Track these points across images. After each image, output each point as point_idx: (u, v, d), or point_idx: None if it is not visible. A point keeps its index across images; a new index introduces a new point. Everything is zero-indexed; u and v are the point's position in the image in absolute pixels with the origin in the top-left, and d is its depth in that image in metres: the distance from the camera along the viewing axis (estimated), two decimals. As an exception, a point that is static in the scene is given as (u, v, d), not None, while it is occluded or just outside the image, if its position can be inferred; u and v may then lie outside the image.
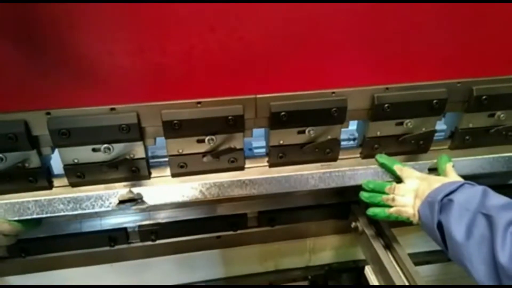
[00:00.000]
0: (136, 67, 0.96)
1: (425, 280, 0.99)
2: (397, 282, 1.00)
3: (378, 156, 1.11)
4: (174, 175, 1.15)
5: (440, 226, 0.88)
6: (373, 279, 1.12)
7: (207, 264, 1.34)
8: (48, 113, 0.98)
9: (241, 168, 1.18)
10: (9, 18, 0.84)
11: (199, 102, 1.03)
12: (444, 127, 1.31)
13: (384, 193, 1.05)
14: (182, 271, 1.34)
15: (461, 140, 1.24)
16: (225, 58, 0.99)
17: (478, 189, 0.88)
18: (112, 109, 1.00)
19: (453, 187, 0.89)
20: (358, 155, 1.25)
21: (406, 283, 1.00)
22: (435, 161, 1.16)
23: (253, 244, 1.22)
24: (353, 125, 1.24)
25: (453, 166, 1.04)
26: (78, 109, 0.99)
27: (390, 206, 1.01)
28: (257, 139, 1.24)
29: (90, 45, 0.91)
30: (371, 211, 1.03)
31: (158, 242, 1.25)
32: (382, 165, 1.10)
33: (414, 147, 1.22)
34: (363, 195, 1.06)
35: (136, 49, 0.94)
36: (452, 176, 1.02)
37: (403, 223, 1.04)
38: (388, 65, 1.08)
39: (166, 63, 0.97)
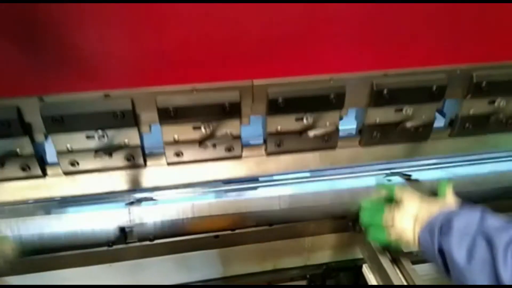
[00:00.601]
0: (131, 53, 0.94)
1: (422, 279, 0.99)
2: (395, 281, 0.99)
3: (377, 186, 1.14)
4: (170, 163, 1.13)
5: (440, 251, 0.89)
6: (370, 278, 1.12)
7: (205, 263, 1.33)
8: (41, 99, 0.96)
9: (239, 157, 1.16)
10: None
11: (195, 89, 1.02)
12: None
13: (382, 212, 1.06)
14: (180, 271, 1.33)
15: (461, 128, 1.22)
16: (221, 44, 0.97)
17: (477, 211, 0.89)
18: (106, 95, 0.99)
19: (452, 212, 0.91)
20: (357, 144, 1.23)
21: (404, 282, 1.00)
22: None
23: (251, 243, 1.21)
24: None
25: (452, 190, 1.05)
26: (71, 95, 0.97)
27: (390, 231, 1.02)
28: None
29: (84, 30, 0.89)
30: (372, 235, 1.04)
31: (156, 242, 1.24)
32: (382, 190, 1.12)
33: (414, 134, 1.20)
34: (363, 214, 1.07)
35: (131, 35, 0.92)
36: (451, 198, 1.03)
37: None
38: (387, 51, 1.06)
39: (161, 49, 0.95)
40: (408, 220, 0.99)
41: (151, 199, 1.24)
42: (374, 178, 1.33)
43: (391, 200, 1.07)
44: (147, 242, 1.23)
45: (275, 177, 1.37)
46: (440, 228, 0.90)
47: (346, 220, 1.28)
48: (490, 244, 0.81)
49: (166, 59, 0.97)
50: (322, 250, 1.37)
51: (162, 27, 0.92)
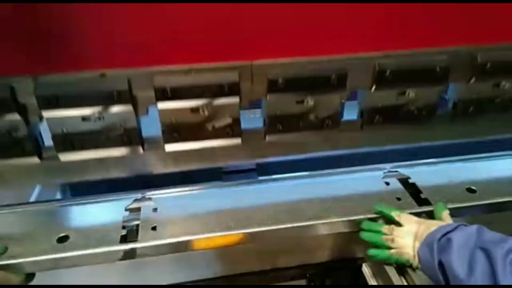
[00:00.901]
0: (127, 31, 0.92)
1: (422, 278, 0.99)
2: (395, 281, 0.99)
3: (376, 206, 1.13)
4: (168, 147, 1.11)
5: (441, 265, 0.91)
6: (370, 277, 1.12)
7: (205, 262, 1.31)
8: (35, 79, 0.94)
9: (238, 140, 1.14)
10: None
11: (193, 69, 0.99)
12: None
13: (382, 233, 1.07)
14: (180, 270, 1.31)
15: (465, 112, 1.20)
16: (220, 23, 0.94)
17: (473, 228, 0.93)
18: (102, 74, 0.96)
19: (450, 228, 0.95)
20: (359, 127, 1.21)
21: (404, 282, 1.00)
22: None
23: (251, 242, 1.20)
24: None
25: (449, 214, 1.07)
26: (66, 74, 0.95)
27: (390, 248, 1.03)
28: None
29: (79, 7, 0.87)
30: (372, 252, 1.04)
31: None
32: (380, 213, 1.11)
33: (417, 118, 1.18)
34: (363, 235, 1.07)
35: (127, 12, 0.90)
36: (448, 221, 1.05)
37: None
38: (390, 31, 1.04)
39: (158, 27, 0.92)
40: (408, 237, 1.01)
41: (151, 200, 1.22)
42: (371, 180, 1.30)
43: (389, 222, 1.09)
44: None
45: (273, 176, 1.36)
46: (439, 243, 0.92)
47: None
48: (489, 256, 0.84)
49: (164, 38, 0.95)
50: (322, 249, 1.36)
51: (160, 5, 0.90)
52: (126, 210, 1.16)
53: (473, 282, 0.83)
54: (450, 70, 1.09)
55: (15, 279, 0.99)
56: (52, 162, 1.09)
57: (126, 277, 1.27)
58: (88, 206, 1.19)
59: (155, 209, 1.16)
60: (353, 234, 1.13)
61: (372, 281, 1.10)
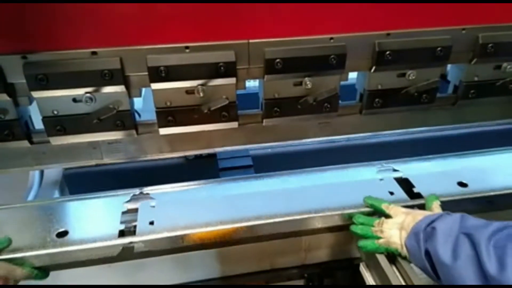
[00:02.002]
0: (119, 7, 0.89)
1: (419, 278, 0.98)
2: (393, 280, 0.98)
3: (366, 198, 1.13)
4: (162, 131, 1.08)
5: (427, 254, 0.93)
6: (368, 277, 1.11)
7: (203, 263, 1.29)
8: (24, 57, 0.91)
9: (235, 124, 1.11)
10: None
11: (187, 47, 0.97)
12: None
13: (372, 226, 1.08)
14: (178, 271, 1.29)
15: (466, 95, 1.18)
16: (215, -1, 0.91)
17: (457, 215, 0.94)
18: (94, 53, 0.93)
19: (434, 217, 0.96)
20: (358, 112, 1.18)
21: (402, 282, 0.99)
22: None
23: (249, 243, 1.17)
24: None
25: (439, 205, 1.08)
26: (56, 52, 0.92)
27: (379, 238, 1.04)
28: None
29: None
30: (362, 242, 1.06)
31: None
32: (371, 206, 1.11)
33: (417, 102, 1.15)
34: (354, 228, 1.08)
35: (119, -14, 0.87)
36: (436, 212, 1.06)
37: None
38: (390, 10, 1.01)
39: (151, 4, 0.89)
40: (395, 228, 1.02)
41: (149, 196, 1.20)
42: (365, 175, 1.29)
43: (380, 215, 1.09)
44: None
45: (270, 172, 1.34)
46: (425, 232, 0.94)
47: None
48: (473, 241, 0.85)
49: (157, 15, 0.92)
50: (320, 249, 1.35)
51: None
52: (124, 205, 1.15)
53: (458, 266, 0.85)
54: (452, 50, 1.07)
55: (20, 273, 0.96)
56: (43, 146, 1.06)
57: (126, 278, 1.25)
58: (87, 202, 1.17)
59: (152, 205, 1.15)
60: (351, 236, 1.11)
61: (370, 281, 1.10)
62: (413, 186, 1.22)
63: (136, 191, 1.20)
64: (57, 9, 0.87)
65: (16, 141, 1.01)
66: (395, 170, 1.29)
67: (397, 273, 1.01)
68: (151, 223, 1.09)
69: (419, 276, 0.99)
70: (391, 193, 1.20)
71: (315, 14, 0.98)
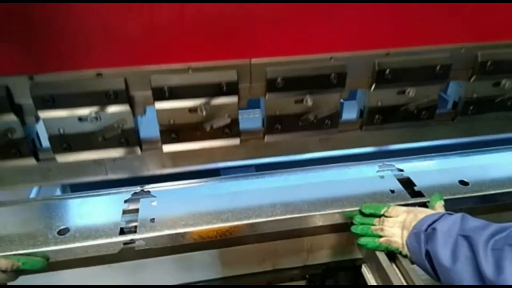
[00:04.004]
0: (124, 29, 0.91)
1: (422, 278, 0.99)
2: (394, 281, 0.98)
3: (364, 207, 1.12)
4: (166, 148, 1.09)
5: (428, 255, 0.94)
6: (370, 278, 1.11)
7: (205, 264, 1.30)
8: (31, 78, 0.93)
9: (236, 140, 1.12)
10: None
11: (190, 67, 0.98)
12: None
13: (374, 225, 1.09)
14: (180, 271, 1.30)
15: (465, 111, 1.19)
16: (217, 20, 0.93)
17: (457, 216, 0.95)
18: (99, 74, 0.95)
19: (435, 217, 0.96)
20: (358, 128, 1.20)
21: (403, 282, 0.99)
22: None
23: (251, 243, 1.19)
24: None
25: (443, 205, 1.08)
26: (62, 73, 0.94)
27: (380, 237, 1.04)
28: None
29: (75, 6, 0.86)
30: (362, 240, 1.05)
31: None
32: (371, 215, 1.10)
33: (417, 118, 1.17)
34: (354, 228, 1.08)
35: (124, 9, 0.89)
36: (439, 209, 1.07)
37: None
38: (390, 29, 1.03)
39: (155, 24, 0.91)
40: (396, 226, 1.02)
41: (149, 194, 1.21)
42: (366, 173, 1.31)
43: (379, 215, 1.09)
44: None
45: (271, 170, 1.35)
46: (425, 233, 0.94)
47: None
48: (471, 243, 0.86)
49: (161, 37, 0.94)
50: (322, 250, 1.36)
51: (156, 2, 0.89)
52: (125, 202, 1.16)
53: (457, 269, 0.85)
54: (451, 68, 1.08)
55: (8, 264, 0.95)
56: (49, 163, 1.08)
57: (126, 278, 1.26)
58: (88, 200, 1.19)
59: (153, 202, 1.16)
60: (352, 237, 1.12)
61: (371, 282, 1.10)
62: (414, 185, 1.22)
63: (137, 188, 1.22)
64: (63, 32, 0.89)
65: (23, 159, 1.03)
66: (396, 169, 1.29)
67: (398, 272, 1.02)
68: (152, 220, 1.10)
69: (420, 276, 0.99)
70: (392, 191, 1.20)
71: (316, 34, 1.00)
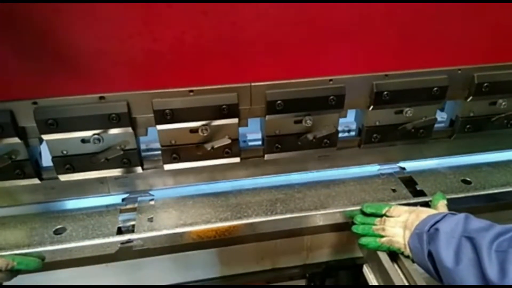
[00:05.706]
0: (126, 54, 0.92)
1: (423, 277, 0.98)
2: (395, 280, 0.98)
3: (365, 207, 1.10)
4: (167, 167, 1.11)
5: (430, 256, 0.92)
6: (371, 278, 1.10)
7: (203, 263, 1.32)
8: (34, 103, 0.94)
9: (237, 159, 1.14)
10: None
11: (191, 91, 1.00)
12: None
13: (375, 225, 1.07)
14: (178, 270, 1.31)
15: (462, 129, 1.21)
16: (218, 44, 0.95)
17: (461, 216, 0.93)
18: (101, 97, 0.97)
19: (437, 218, 0.94)
20: (356, 146, 1.21)
21: (405, 282, 0.99)
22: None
23: (250, 242, 1.20)
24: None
25: (446, 204, 1.06)
26: (65, 98, 0.95)
27: (381, 237, 1.03)
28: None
29: (77, 31, 0.87)
30: (363, 240, 1.04)
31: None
32: (372, 215, 1.09)
33: (414, 136, 1.18)
34: (355, 228, 1.07)
35: (126, 35, 0.90)
36: (442, 209, 1.05)
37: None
38: (387, 52, 1.04)
39: (156, 49, 0.93)
40: (398, 226, 1.01)
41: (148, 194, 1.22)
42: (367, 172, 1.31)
43: (381, 215, 1.09)
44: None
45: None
46: (428, 234, 0.92)
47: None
48: (474, 244, 0.84)
49: (162, 61, 0.95)
50: (322, 249, 1.36)
51: (158, 28, 0.90)
52: (123, 201, 1.17)
53: (460, 271, 0.84)
54: (448, 89, 1.10)
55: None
56: (52, 182, 1.09)
57: (125, 277, 1.27)
58: (85, 199, 1.19)
59: (151, 201, 1.17)
60: (353, 236, 1.12)
61: (373, 282, 1.10)
62: (416, 183, 1.22)
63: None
64: (66, 57, 0.90)
65: (26, 179, 1.05)
66: (398, 167, 1.30)
67: (400, 273, 1.01)
68: (150, 219, 1.11)
69: (422, 276, 0.98)
70: (393, 191, 1.20)
71: (315, 57, 1.02)
